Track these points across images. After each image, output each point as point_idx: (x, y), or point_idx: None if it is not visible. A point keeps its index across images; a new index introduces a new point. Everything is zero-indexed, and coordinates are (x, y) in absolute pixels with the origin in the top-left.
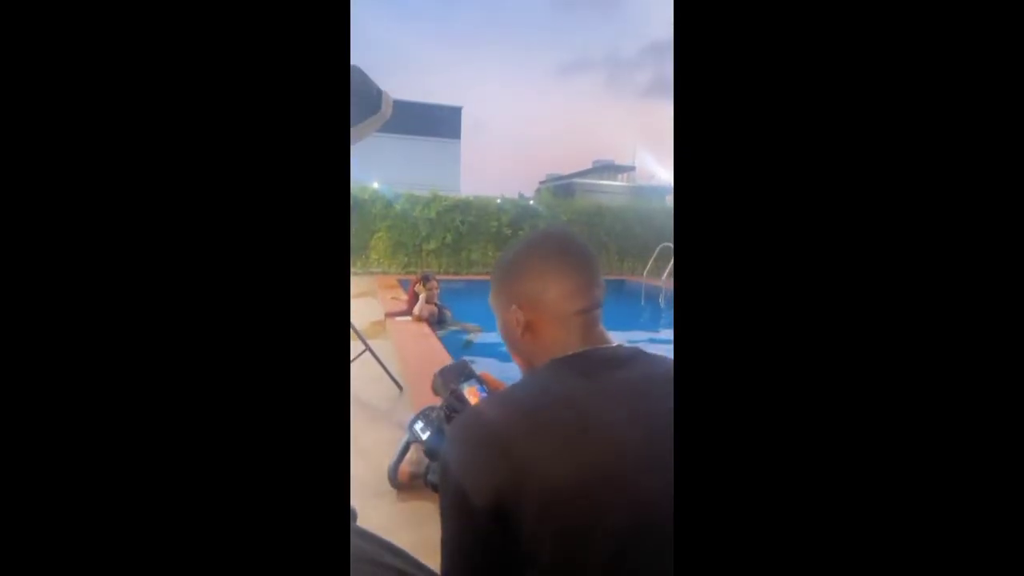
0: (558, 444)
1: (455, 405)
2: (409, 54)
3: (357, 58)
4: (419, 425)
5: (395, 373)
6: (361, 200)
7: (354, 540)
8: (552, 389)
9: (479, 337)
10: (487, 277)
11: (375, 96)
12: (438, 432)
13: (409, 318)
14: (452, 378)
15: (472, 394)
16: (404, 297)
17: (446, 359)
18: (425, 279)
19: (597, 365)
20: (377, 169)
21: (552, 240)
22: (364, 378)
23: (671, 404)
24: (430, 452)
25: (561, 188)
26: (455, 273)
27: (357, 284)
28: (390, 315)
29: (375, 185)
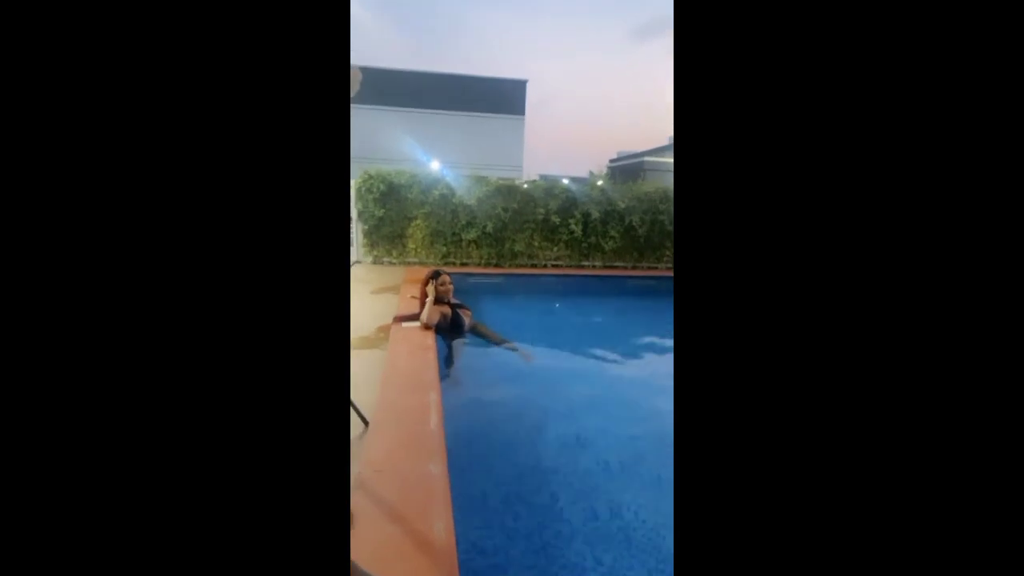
0: None
1: None
2: (468, 23)
3: (418, 27)
4: None
5: (376, 396)
6: (398, 185)
7: None
8: None
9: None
10: (530, 271)
11: None
12: None
13: (418, 324)
14: None
15: None
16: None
17: (430, 379)
18: (434, 275)
19: None
20: (436, 149)
21: None
22: None
23: None
24: None
25: (627, 169)
26: (496, 266)
27: (386, 276)
28: (398, 319)
29: (435, 164)
